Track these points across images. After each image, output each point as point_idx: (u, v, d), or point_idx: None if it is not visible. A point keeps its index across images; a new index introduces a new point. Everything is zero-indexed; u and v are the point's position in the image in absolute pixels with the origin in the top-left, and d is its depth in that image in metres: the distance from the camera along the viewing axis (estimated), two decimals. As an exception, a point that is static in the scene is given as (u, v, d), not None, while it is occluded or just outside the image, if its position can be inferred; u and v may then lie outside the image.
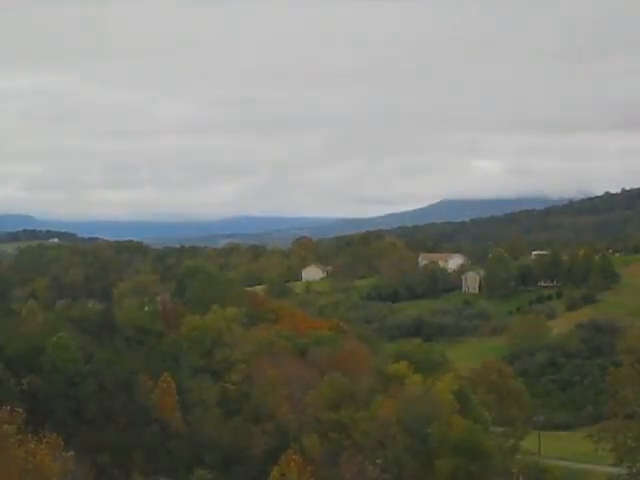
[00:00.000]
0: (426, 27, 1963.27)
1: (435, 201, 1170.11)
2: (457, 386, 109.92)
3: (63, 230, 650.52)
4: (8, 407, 56.81)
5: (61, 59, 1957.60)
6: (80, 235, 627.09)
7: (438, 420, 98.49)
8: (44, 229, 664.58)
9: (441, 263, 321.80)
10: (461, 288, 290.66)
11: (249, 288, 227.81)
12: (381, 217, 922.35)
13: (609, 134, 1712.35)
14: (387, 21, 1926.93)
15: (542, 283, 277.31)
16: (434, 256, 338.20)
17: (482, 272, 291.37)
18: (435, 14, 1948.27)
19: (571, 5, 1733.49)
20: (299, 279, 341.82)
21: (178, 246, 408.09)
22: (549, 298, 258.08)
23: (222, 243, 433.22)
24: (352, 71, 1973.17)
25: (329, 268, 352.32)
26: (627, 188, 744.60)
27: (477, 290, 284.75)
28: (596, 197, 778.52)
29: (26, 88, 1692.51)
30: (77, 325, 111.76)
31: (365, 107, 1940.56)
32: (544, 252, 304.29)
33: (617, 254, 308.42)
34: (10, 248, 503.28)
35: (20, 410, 57.69)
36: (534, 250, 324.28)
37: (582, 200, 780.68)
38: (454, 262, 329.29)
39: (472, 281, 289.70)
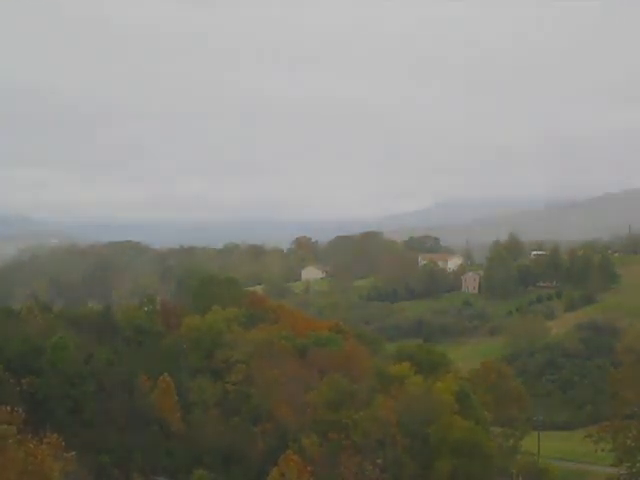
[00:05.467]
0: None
1: (435, 201, 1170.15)
2: (457, 386, 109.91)
3: (63, 230, 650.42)
4: (8, 408, 56.73)
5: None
6: (79, 235, 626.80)
7: (438, 420, 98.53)
8: (44, 229, 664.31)
9: (441, 263, 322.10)
10: (460, 288, 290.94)
11: (249, 288, 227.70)
12: (381, 218, 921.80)
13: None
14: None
15: (541, 283, 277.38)
16: (434, 256, 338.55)
17: (481, 272, 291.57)
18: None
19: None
20: (299, 279, 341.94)
21: (178, 246, 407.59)
22: (548, 298, 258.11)
23: (222, 243, 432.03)
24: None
25: (329, 268, 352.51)
26: (627, 188, 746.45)
27: (476, 290, 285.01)
28: (596, 197, 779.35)
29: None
30: (76, 325, 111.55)
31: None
32: (543, 252, 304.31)
33: (616, 254, 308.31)
34: (10, 248, 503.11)
35: (20, 410, 57.61)
36: (533, 250, 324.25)
37: (582, 200, 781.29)
38: (453, 262, 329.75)
39: (471, 281, 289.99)
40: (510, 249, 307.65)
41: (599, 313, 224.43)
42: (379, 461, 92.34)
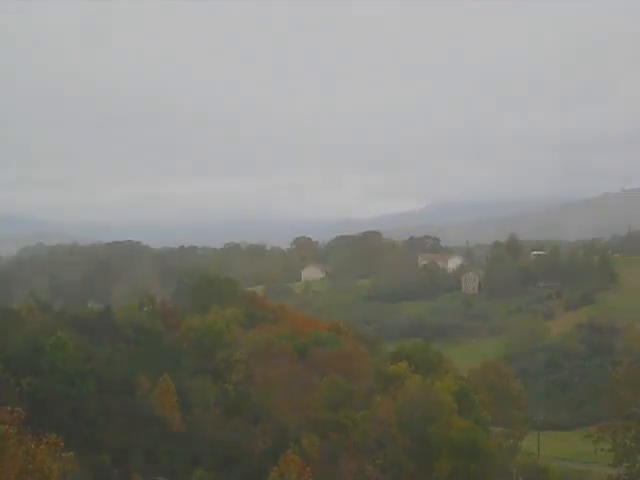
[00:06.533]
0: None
1: (435, 201, 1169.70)
2: (457, 386, 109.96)
3: (63, 230, 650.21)
4: (8, 408, 56.64)
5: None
6: (79, 235, 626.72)
7: (437, 420, 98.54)
8: (44, 229, 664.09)
9: (441, 263, 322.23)
10: (460, 288, 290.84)
11: (249, 288, 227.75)
12: (381, 217, 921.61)
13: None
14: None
15: (541, 283, 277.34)
16: (434, 256, 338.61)
17: (481, 272, 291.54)
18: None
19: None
20: (299, 279, 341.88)
21: (178, 246, 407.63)
22: (548, 298, 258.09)
23: (222, 243, 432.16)
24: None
25: (329, 268, 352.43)
26: (626, 188, 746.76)
27: (476, 290, 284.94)
28: (596, 197, 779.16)
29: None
30: (76, 325, 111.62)
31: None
32: (543, 252, 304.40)
33: (616, 254, 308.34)
34: (10, 248, 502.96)
35: (20, 410, 57.53)
36: (534, 250, 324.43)
37: (581, 200, 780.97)
38: (453, 262, 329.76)
39: (471, 281, 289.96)
40: (510, 249, 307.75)
41: (599, 313, 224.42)
42: (379, 461, 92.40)
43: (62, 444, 59.23)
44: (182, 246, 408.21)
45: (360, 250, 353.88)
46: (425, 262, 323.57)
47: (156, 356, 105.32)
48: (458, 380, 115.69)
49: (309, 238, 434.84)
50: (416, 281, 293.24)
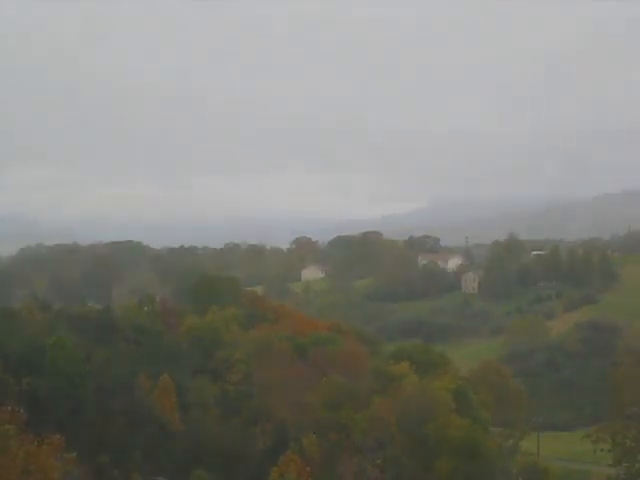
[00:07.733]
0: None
1: (435, 201, 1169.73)
2: (456, 386, 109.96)
3: (63, 230, 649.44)
4: (9, 408, 56.65)
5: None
6: (79, 235, 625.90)
7: (435, 419, 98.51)
8: (44, 229, 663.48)
9: (440, 263, 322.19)
10: (460, 288, 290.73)
11: (249, 288, 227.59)
12: (380, 218, 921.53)
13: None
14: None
15: (541, 283, 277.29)
16: (434, 256, 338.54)
17: (481, 272, 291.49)
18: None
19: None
20: (299, 279, 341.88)
21: (178, 246, 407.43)
22: (548, 298, 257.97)
23: (222, 243, 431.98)
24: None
25: (329, 268, 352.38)
26: (626, 188, 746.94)
27: (476, 290, 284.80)
28: (596, 197, 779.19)
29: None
30: (76, 325, 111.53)
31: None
32: (543, 252, 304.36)
33: (616, 254, 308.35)
34: (10, 248, 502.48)
35: (21, 411, 57.57)
36: (533, 250, 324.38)
37: (582, 200, 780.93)
38: (453, 262, 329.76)
39: (471, 281, 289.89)
40: (510, 249, 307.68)
41: (599, 313, 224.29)
42: (378, 461, 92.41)
43: (64, 445, 59.33)
44: (182, 246, 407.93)
45: (360, 250, 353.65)
46: (425, 262, 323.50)
47: (156, 356, 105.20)
48: (456, 379, 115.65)
49: (309, 238, 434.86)
50: (416, 281, 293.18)
